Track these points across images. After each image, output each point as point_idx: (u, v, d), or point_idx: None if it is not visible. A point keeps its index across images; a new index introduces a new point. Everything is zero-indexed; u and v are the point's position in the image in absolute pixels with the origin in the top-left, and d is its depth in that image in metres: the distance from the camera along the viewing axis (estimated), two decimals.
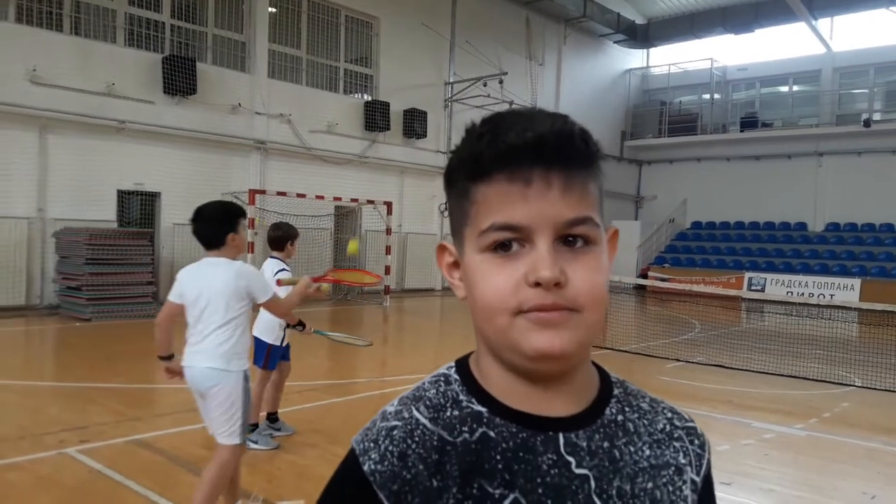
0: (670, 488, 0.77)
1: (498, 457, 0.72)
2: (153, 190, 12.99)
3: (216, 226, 3.31)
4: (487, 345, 0.76)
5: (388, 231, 15.51)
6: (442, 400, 0.77)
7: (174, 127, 12.96)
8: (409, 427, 0.75)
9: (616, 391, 0.81)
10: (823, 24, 21.98)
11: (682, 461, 0.79)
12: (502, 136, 0.70)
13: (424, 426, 0.75)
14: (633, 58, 25.93)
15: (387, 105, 16.67)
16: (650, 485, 0.76)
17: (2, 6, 11.40)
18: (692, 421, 0.83)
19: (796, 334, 11.32)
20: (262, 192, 13.35)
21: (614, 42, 24.50)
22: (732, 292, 15.04)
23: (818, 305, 16.97)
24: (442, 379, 0.79)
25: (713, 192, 23.66)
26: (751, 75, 24.40)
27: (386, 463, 0.73)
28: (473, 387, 0.77)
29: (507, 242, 0.70)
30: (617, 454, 0.76)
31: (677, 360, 8.88)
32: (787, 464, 5.01)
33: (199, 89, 13.25)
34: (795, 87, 23.82)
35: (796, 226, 22.21)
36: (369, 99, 16.79)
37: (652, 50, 26.15)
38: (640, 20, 24.65)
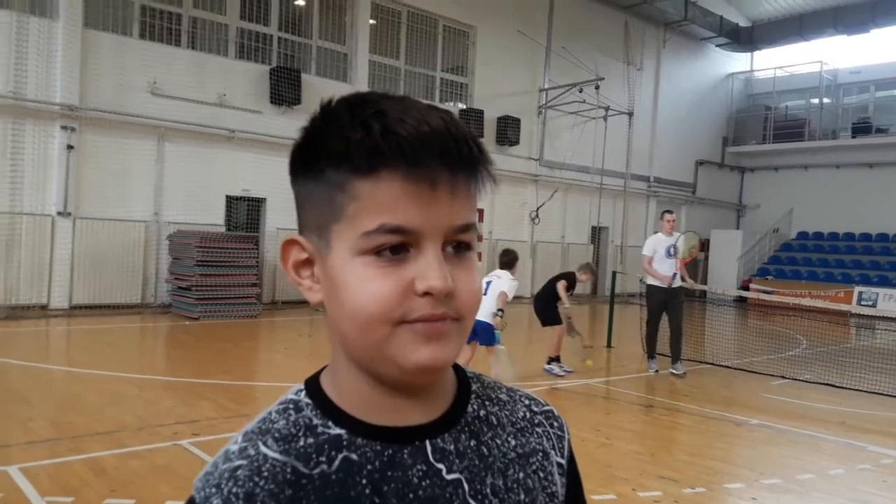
0: (541, 474, 0.76)
1: (364, 481, 0.66)
2: (259, 196, 13.57)
3: None
4: (351, 356, 0.69)
5: (480, 238, 15.57)
6: (293, 429, 0.69)
7: (280, 136, 13.47)
8: (255, 464, 0.66)
9: (474, 386, 0.78)
10: None
11: (546, 445, 0.79)
12: (395, 128, 0.62)
13: (274, 459, 0.67)
14: (737, 61, 25.02)
15: (481, 113, 16.76)
16: (521, 474, 0.74)
17: (127, 23, 12.23)
18: (549, 405, 0.82)
19: None
20: None
21: (716, 45, 23.73)
22: (843, 307, 14.26)
23: None
24: (291, 406, 0.71)
25: (821, 201, 22.49)
26: (864, 78, 23.05)
27: None
28: (328, 408, 0.70)
29: (400, 247, 0.64)
30: (485, 450, 0.73)
31: (783, 377, 8.49)
32: None
33: (304, 99, 13.73)
34: None
35: None
36: (464, 107, 16.94)
37: (756, 53, 25.14)
38: (744, 23, 23.78)
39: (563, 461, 0.80)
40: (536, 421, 0.80)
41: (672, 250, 8.38)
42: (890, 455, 5.45)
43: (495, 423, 0.76)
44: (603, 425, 5.88)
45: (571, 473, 0.82)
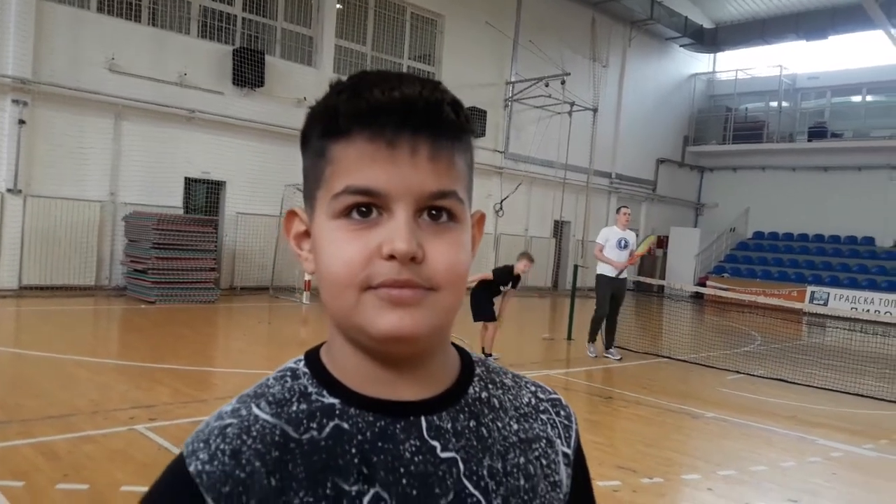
0: (544, 461, 0.74)
1: (353, 450, 0.65)
2: (219, 179, 13.31)
3: None
4: (336, 324, 0.69)
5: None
6: (287, 395, 0.69)
7: (241, 118, 13.24)
8: (245, 424, 0.67)
9: (478, 370, 0.76)
10: None
11: (552, 433, 0.76)
12: (365, 92, 0.64)
13: (265, 421, 0.67)
14: (699, 62, 25.42)
15: None
16: (522, 459, 0.72)
17: None
18: (556, 393, 0.81)
19: (862, 352, 10.93)
20: None
21: (680, 46, 24.06)
22: (797, 305, 14.64)
23: (886, 323, 16.37)
24: (288, 374, 0.72)
25: (777, 203, 23.04)
26: (822, 84, 23.65)
27: (216, 463, 0.64)
28: (324, 378, 0.70)
29: (366, 208, 0.64)
30: (484, 432, 0.71)
31: (738, 372, 8.67)
32: (856, 484, 4.84)
33: (267, 82, 13.50)
34: (869, 98, 23.00)
35: (863, 240, 21.45)
36: None
37: (719, 55, 25.58)
38: (707, 24, 24.16)
39: (569, 451, 0.78)
40: (542, 408, 0.78)
41: (623, 243, 8.78)
42: (839, 448, 5.60)
43: (497, 406, 0.74)
44: None
45: (578, 465, 0.79)
